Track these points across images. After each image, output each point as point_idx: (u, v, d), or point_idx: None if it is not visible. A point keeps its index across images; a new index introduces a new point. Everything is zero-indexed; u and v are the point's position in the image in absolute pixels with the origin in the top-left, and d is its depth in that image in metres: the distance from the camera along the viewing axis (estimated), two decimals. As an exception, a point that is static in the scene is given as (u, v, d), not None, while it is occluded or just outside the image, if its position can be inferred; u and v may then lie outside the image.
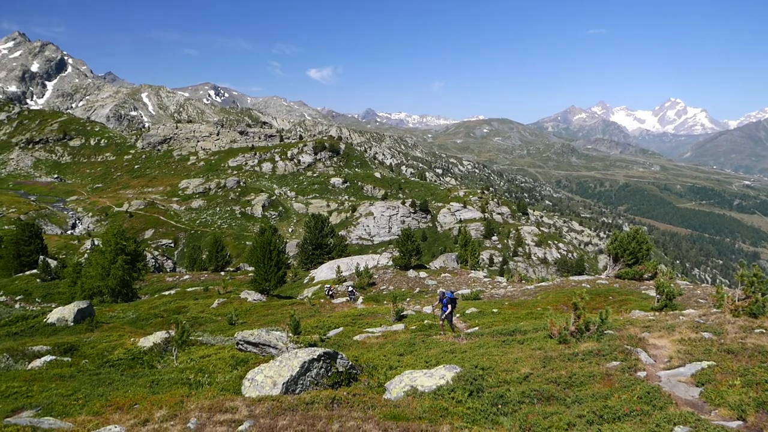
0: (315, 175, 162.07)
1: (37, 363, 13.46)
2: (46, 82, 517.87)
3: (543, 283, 30.77)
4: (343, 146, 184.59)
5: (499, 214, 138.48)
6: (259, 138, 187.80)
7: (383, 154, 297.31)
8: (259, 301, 33.43)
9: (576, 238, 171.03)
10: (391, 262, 42.38)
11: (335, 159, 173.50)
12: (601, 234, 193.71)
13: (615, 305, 19.88)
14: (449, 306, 16.58)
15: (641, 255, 28.46)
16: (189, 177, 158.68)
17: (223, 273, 55.84)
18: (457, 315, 20.98)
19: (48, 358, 14.01)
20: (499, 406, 7.46)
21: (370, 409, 6.80)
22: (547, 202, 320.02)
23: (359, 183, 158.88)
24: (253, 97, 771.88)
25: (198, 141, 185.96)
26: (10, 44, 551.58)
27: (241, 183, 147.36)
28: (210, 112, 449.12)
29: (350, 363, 9.74)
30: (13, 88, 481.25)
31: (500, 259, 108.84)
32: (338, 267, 41.05)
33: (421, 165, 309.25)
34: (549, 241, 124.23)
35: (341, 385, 9.08)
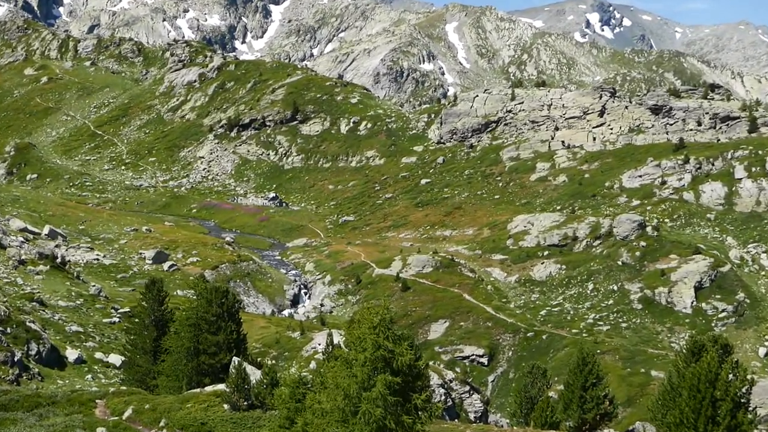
0: None
1: None
2: (271, 6, 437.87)
3: None
4: None
5: None
6: (699, 123, 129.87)
7: None
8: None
9: None
10: None
11: None
12: None
13: None
14: None
15: None
16: (531, 208, 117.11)
17: (601, 437, 47.94)
18: None
19: None
20: None
21: None
22: None
23: None
24: (688, 26, 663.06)
25: (556, 128, 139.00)
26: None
27: (650, 228, 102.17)
28: (585, 62, 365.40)
29: None
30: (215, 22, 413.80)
31: None
32: None
33: None
34: None
35: None
